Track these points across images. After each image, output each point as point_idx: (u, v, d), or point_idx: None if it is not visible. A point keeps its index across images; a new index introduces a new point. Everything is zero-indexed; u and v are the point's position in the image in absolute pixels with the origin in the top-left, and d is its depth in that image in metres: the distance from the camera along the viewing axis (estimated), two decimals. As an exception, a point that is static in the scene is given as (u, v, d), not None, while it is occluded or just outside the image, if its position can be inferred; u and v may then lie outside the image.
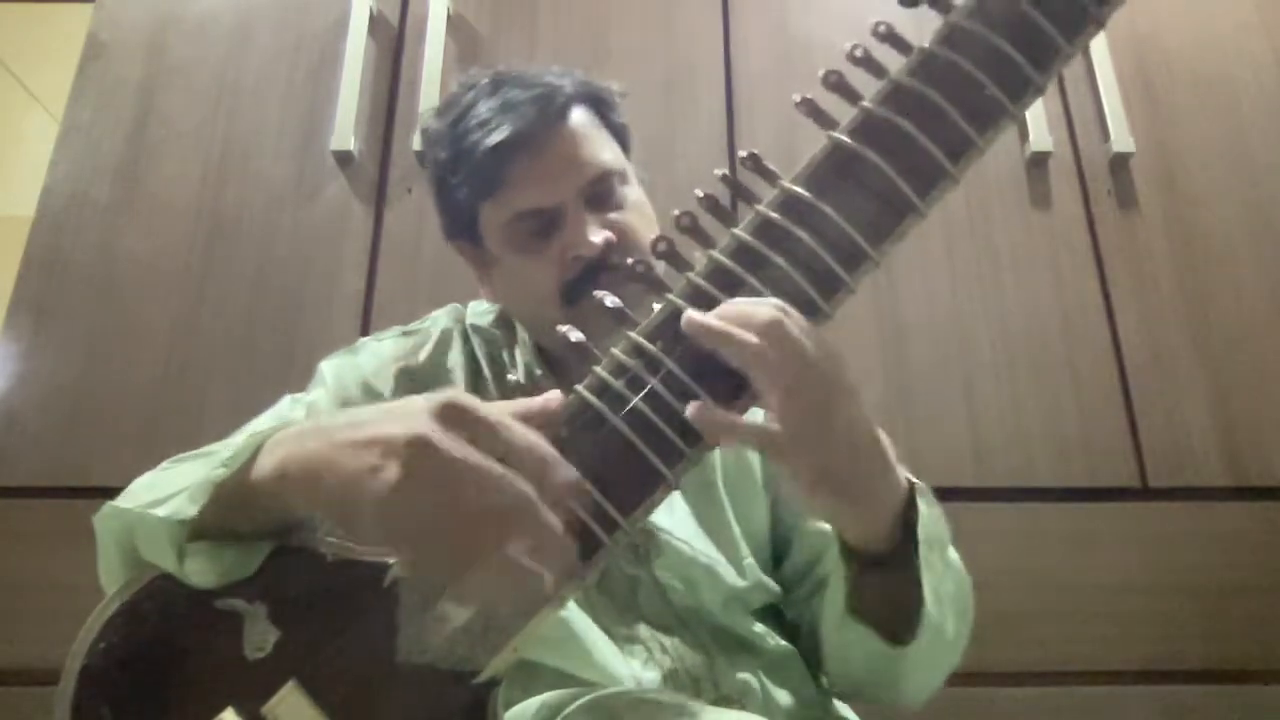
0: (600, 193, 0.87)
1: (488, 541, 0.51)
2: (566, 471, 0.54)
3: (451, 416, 0.52)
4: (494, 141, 0.85)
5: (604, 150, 0.89)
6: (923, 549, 0.68)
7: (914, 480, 0.69)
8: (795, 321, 0.59)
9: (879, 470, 0.66)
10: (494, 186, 0.87)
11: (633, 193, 0.90)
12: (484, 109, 0.87)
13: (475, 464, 0.51)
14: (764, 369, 0.58)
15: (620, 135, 0.94)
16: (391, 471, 0.51)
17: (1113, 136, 1.47)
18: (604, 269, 0.83)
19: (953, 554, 0.77)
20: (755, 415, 0.64)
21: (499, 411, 0.54)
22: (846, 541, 0.70)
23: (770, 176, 0.62)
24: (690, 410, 0.57)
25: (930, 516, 0.70)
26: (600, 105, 0.92)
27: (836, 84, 0.61)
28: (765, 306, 0.58)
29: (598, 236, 0.84)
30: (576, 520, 0.56)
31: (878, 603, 0.70)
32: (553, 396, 0.59)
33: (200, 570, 0.59)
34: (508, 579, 0.52)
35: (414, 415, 0.53)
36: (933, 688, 0.79)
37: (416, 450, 0.51)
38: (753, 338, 0.57)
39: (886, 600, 0.70)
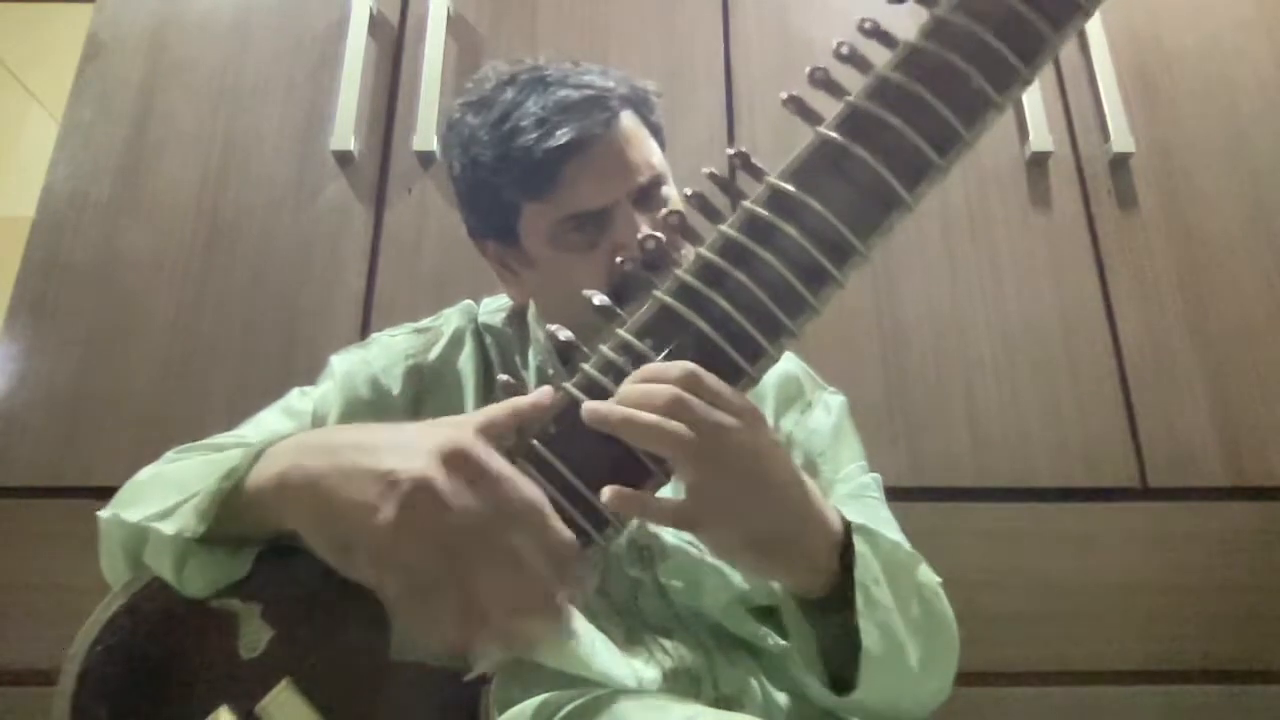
0: (648, 195, 0.87)
1: (475, 592, 0.52)
2: (563, 534, 0.54)
3: (457, 462, 0.52)
4: (555, 144, 0.84)
5: (652, 153, 0.89)
6: (860, 590, 0.67)
7: (850, 518, 0.69)
8: (707, 386, 0.58)
9: (806, 523, 0.65)
10: (547, 188, 0.85)
11: (673, 193, 0.90)
12: (535, 108, 0.85)
13: (474, 517, 0.51)
14: (671, 449, 0.57)
15: (659, 136, 0.94)
16: (389, 512, 0.51)
17: (1113, 136, 1.47)
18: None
19: (923, 575, 0.76)
20: None
21: (505, 465, 0.54)
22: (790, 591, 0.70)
23: (758, 173, 0.61)
24: (604, 494, 0.57)
25: (871, 554, 0.69)
26: (643, 107, 0.92)
27: (823, 80, 0.61)
28: (664, 386, 0.58)
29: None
30: (566, 517, 0.56)
31: (831, 641, 0.70)
32: (544, 392, 0.59)
33: (195, 579, 0.60)
34: (493, 629, 0.53)
35: (421, 453, 0.53)
36: (919, 708, 0.77)
37: (417, 495, 0.51)
38: (655, 421, 0.56)
39: (840, 639, 0.69)
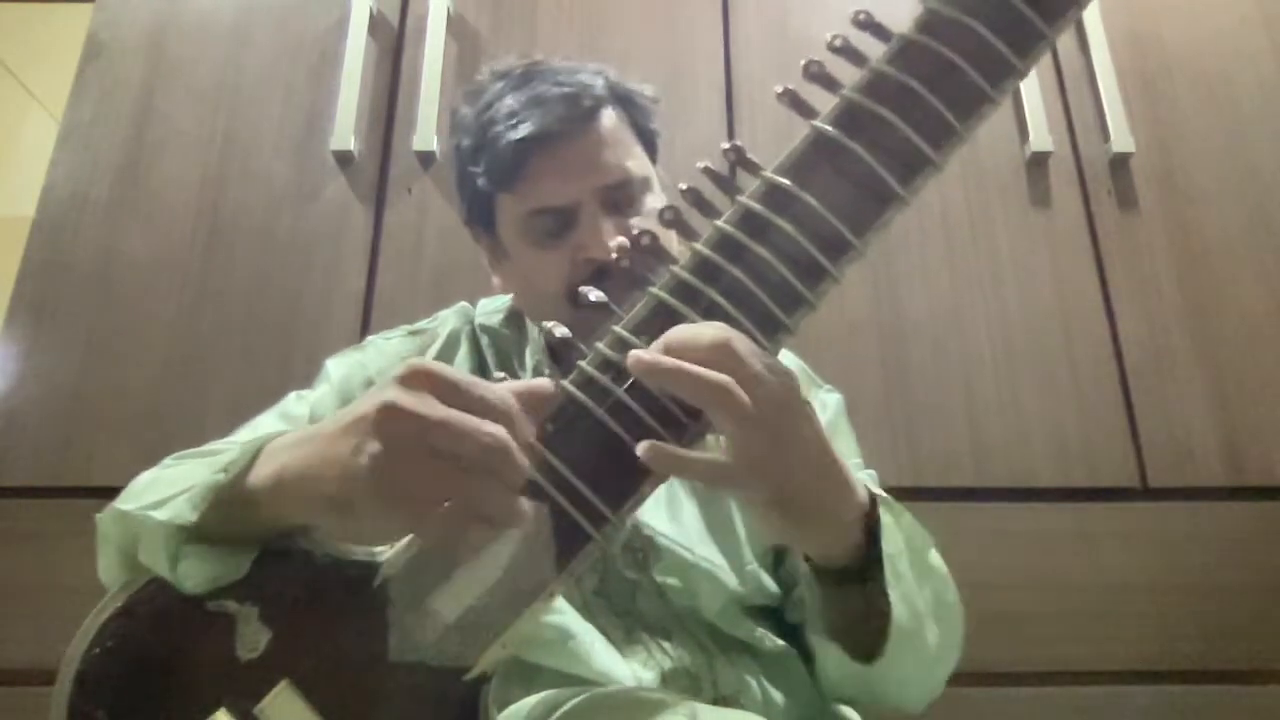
0: (620, 198, 0.86)
1: (474, 488, 0.52)
2: (527, 427, 0.55)
3: (416, 381, 0.53)
4: (517, 136, 0.84)
5: (628, 156, 0.88)
6: (887, 560, 0.66)
7: (875, 490, 0.68)
8: (744, 342, 0.57)
9: (836, 487, 0.64)
10: (513, 180, 0.86)
11: (653, 200, 0.89)
12: (512, 100, 0.86)
13: (444, 415, 0.51)
14: (717, 400, 0.56)
15: (649, 141, 0.93)
16: (371, 446, 0.52)
17: (1113, 136, 1.47)
18: (612, 273, 0.82)
19: (934, 559, 0.76)
20: None
21: (465, 374, 0.55)
22: (812, 559, 0.69)
23: (753, 168, 0.61)
24: (640, 449, 0.56)
25: (895, 526, 0.68)
26: (632, 109, 0.91)
27: (817, 74, 0.61)
28: (711, 328, 0.57)
29: (611, 240, 0.82)
30: (565, 514, 0.56)
31: (851, 617, 0.69)
32: (540, 382, 0.59)
33: (192, 574, 0.60)
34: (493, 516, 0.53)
35: (382, 389, 0.53)
36: (924, 696, 0.77)
37: (387, 417, 0.51)
38: (703, 372, 0.55)
39: (859, 614, 0.68)
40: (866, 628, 0.68)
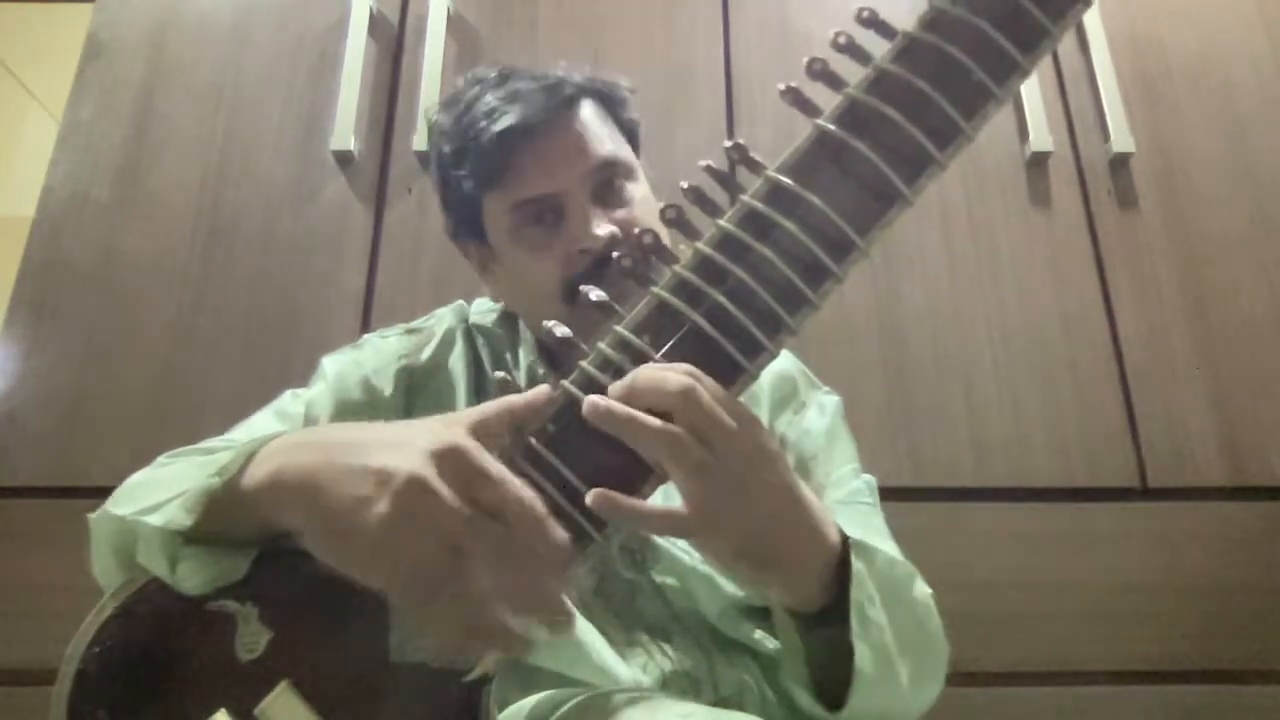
0: (605, 187, 0.86)
1: (467, 590, 0.51)
2: (558, 534, 0.54)
3: (450, 460, 0.52)
4: (500, 128, 0.84)
5: (610, 143, 0.88)
6: (855, 610, 0.65)
7: (848, 534, 0.67)
8: (708, 388, 0.57)
9: (802, 535, 0.64)
10: (498, 175, 0.86)
11: (639, 190, 0.89)
12: (490, 98, 0.86)
13: (467, 518, 0.51)
14: (668, 456, 0.56)
15: (629, 132, 0.93)
16: (382, 507, 0.51)
17: (1113, 136, 1.47)
18: (608, 265, 0.81)
19: (918, 590, 0.75)
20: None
21: (498, 465, 0.54)
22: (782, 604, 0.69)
23: (756, 166, 0.61)
24: (591, 498, 0.56)
25: (867, 572, 0.67)
26: (609, 101, 0.91)
27: (821, 72, 0.60)
28: (675, 374, 0.57)
29: (603, 229, 0.83)
30: (565, 516, 0.56)
31: (824, 654, 0.69)
32: (540, 391, 0.59)
33: (191, 576, 0.59)
34: (490, 628, 0.53)
35: (414, 451, 0.52)
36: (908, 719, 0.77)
37: (411, 491, 0.51)
38: (656, 426, 0.55)
39: (833, 652, 0.67)
40: (838, 668, 0.67)
